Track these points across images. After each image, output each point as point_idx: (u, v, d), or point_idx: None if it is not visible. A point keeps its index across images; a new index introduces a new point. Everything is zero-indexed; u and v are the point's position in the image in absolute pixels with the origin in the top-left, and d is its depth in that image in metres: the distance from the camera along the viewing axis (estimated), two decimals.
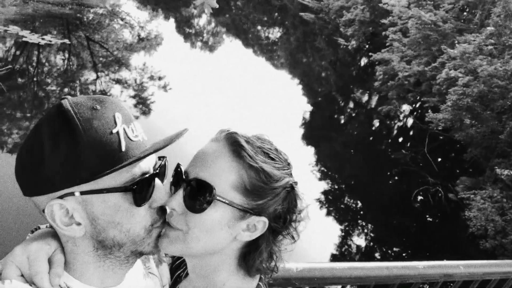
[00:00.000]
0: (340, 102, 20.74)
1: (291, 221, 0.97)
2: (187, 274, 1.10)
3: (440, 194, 11.78)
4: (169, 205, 0.91)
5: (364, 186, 12.71)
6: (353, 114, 19.59)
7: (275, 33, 32.63)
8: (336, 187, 12.56)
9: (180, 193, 0.91)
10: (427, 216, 11.69)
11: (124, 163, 0.78)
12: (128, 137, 0.81)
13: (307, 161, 12.80)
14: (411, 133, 17.26)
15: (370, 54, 18.92)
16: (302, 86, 21.20)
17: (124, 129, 0.81)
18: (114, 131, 0.79)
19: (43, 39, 13.06)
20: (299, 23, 33.88)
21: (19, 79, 12.22)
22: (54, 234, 0.89)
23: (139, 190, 0.83)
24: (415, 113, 17.93)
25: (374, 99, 20.07)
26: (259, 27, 32.78)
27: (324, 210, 11.03)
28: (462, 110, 10.75)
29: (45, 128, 0.78)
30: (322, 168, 13.24)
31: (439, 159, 14.41)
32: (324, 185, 12.09)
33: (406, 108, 17.99)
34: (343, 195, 12.32)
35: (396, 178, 13.87)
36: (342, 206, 11.79)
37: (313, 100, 19.58)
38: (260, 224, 0.93)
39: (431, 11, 15.35)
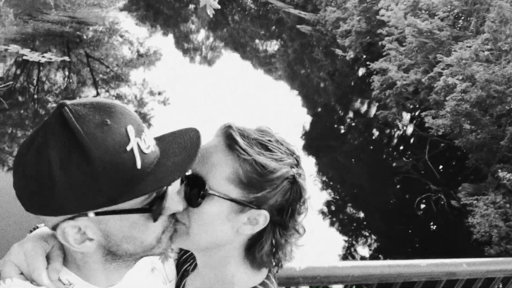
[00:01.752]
0: (340, 112, 20.82)
1: (295, 213, 0.95)
2: (194, 267, 1.10)
3: (442, 201, 11.74)
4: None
5: (367, 195, 12.67)
6: (353, 124, 19.64)
7: (272, 45, 32.91)
8: (338, 197, 12.52)
9: (182, 188, 0.92)
10: (431, 223, 11.63)
11: (148, 190, 0.75)
12: (141, 151, 0.76)
13: (308, 172, 12.78)
14: (411, 141, 17.28)
15: (368, 63, 19.06)
16: (301, 97, 21.30)
17: (137, 143, 0.75)
18: (128, 148, 0.73)
19: (43, 57, 13.21)
20: (296, 35, 34.20)
21: (20, 97, 12.31)
22: (50, 233, 0.88)
23: (157, 208, 0.81)
24: (414, 121, 17.98)
25: (373, 108, 20.14)
26: (257, 40, 33.08)
27: (328, 221, 10.98)
28: (461, 116, 10.79)
29: (52, 149, 0.70)
30: (324, 179, 13.23)
31: (441, 166, 14.39)
32: (326, 196, 12.06)
33: (405, 116, 18.06)
34: (346, 205, 12.28)
35: (398, 186, 13.84)
36: (345, 216, 11.73)
37: (312, 110, 19.66)
38: (261, 217, 0.92)
39: (426, 20, 15.52)
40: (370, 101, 20.52)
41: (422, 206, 12.05)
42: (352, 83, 25.71)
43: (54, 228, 0.78)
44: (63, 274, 0.84)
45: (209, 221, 0.90)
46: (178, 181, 0.89)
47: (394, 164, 14.71)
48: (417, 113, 17.80)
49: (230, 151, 0.90)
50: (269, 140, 0.93)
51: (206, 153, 0.91)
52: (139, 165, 0.74)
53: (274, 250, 0.98)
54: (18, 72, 13.57)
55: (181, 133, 0.90)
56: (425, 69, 14.31)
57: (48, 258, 0.83)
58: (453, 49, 12.81)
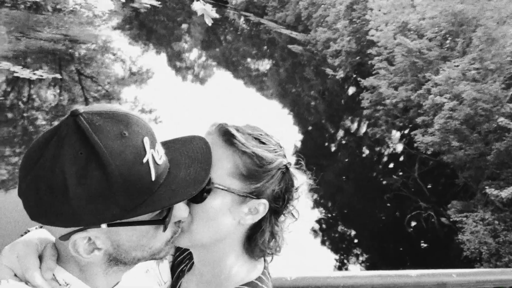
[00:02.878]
0: (330, 130, 21.00)
1: (289, 200, 1.02)
2: (190, 268, 1.12)
3: (432, 219, 11.79)
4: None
5: (358, 213, 12.68)
6: (344, 142, 19.78)
7: (264, 65, 33.31)
8: (329, 215, 12.50)
9: None
10: (421, 240, 11.63)
11: (166, 204, 0.77)
12: (156, 162, 0.76)
13: (299, 190, 12.77)
14: (401, 158, 17.43)
15: (358, 79, 19.35)
16: (292, 115, 21.46)
17: (152, 154, 0.75)
18: (145, 160, 0.73)
19: (34, 74, 13.19)
20: (287, 55, 34.72)
21: (9, 114, 12.21)
22: (44, 233, 0.88)
23: (169, 219, 0.82)
24: (404, 139, 18.18)
25: (364, 126, 20.35)
26: (249, 60, 33.48)
27: (319, 239, 10.93)
28: (450, 133, 10.95)
29: (68, 158, 0.68)
30: (315, 197, 13.22)
31: (430, 184, 14.50)
32: (317, 214, 12.03)
33: (395, 133, 18.27)
34: (337, 223, 12.25)
35: (388, 204, 13.88)
36: (336, 234, 11.69)
37: (303, 129, 19.79)
38: (261, 206, 0.96)
39: (415, 40, 15.90)
40: (360, 119, 20.74)
41: (413, 223, 12.08)
42: (342, 102, 26.02)
43: (62, 238, 0.76)
44: (59, 274, 0.82)
45: (213, 215, 0.93)
46: None
47: (384, 182, 14.79)
48: (406, 131, 18.03)
49: (228, 146, 0.94)
50: (261, 134, 1.01)
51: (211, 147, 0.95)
52: (153, 177, 0.74)
53: (272, 237, 1.02)
54: (9, 89, 13.50)
55: (187, 142, 0.92)
56: (414, 87, 14.58)
57: (41, 258, 0.81)
58: (441, 69, 13.10)
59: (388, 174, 16.00)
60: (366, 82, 18.03)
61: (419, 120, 13.11)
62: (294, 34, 40.83)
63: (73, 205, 0.69)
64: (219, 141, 0.96)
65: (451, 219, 11.27)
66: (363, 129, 20.19)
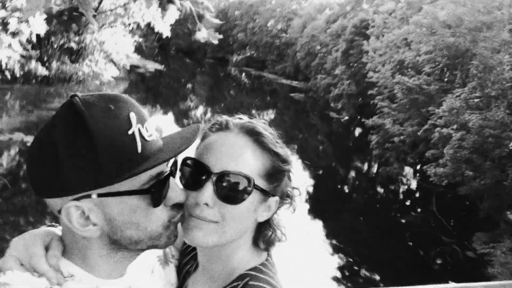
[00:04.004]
0: (341, 172, 20.85)
1: (293, 196, 1.07)
2: (195, 267, 1.11)
3: (458, 253, 11.32)
4: (201, 201, 0.93)
5: (379, 255, 12.23)
6: (357, 183, 19.56)
7: (269, 114, 33.94)
8: (351, 260, 12.08)
9: (209, 187, 0.93)
10: (450, 278, 11.08)
11: (144, 168, 0.78)
12: (143, 137, 0.80)
13: (317, 236, 12.48)
14: (417, 194, 17.09)
15: (363, 120, 19.51)
16: (301, 161, 21.45)
17: (139, 129, 0.80)
18: (130, 132, 0.78)
19: None
20: (290, 103, 35.42)
21: (23, 185, 12.40)
22: (51, 228, 0.92)
23: (156, 192, 0.83)
24: (417, 174, 17.95)
25: (375, 166, 20.21)
26: (253, 111, 34.17)
27: None
28: (462, 163, 10.81)
29: (59, 130, 0.76)
30: (334, 242, 12.86)
31: (450, 218, 14.09)
32: (338, 260, 11.62)
33: (407, 170, 18.07)
34: (360, 267, 11.80)
35: (410, 242, 13.43)
36: (360, 280, 11.22)
37: (314, 173, 19.68)
38: (274, 203, 1.00)
39: (414, 76, 16.22)
40: (370, 159, 20.64)
41: (438, 260, 11.59)
42: (350, 143, 26.07)
43: (60, 211, 0.81)
44: (64, 266, 0.85)
45: (244, 215, 0.95)
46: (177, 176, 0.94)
47: (403, 220, 14.40)
48: (418, 167, 17.85)
49: (258, 146, 0.96)
50: (273, 133, 1.03)
51: (233, 149, 0.95)
52: (139, 149, 0.78)
53: (274, 230, 1.05)
54: (22, 159, 13.82)
55: (186, 129, 0.96)
56: (420, 122, 14.64)
57: (47, 249, 0.85)
58: (443, 101, 13.22)
59: (406, 212, 15.62)
60: (371, 122, 18.18)
61: (428, 154, 13.03)
62: (294, 83, 41.93)
63: (63, 171, 0.75)
64: (247, 139, 0.96)
65: (477, 252, 10.82)
66: (375, 168, 20.04)
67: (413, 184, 17.94)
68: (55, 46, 22.84)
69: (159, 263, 1.09)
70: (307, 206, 14.99)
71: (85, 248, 0.86)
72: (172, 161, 0.91)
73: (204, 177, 0.94)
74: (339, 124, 27.37)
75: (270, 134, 0.99)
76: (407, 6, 20.90)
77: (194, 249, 1.13)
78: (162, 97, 30.99)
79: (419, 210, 15.00)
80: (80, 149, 0.74)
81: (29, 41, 21.31)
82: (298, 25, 45.40)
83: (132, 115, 0.80)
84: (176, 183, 0.91)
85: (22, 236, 0.87)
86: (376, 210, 16.08)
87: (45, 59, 22.04)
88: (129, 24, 22.48)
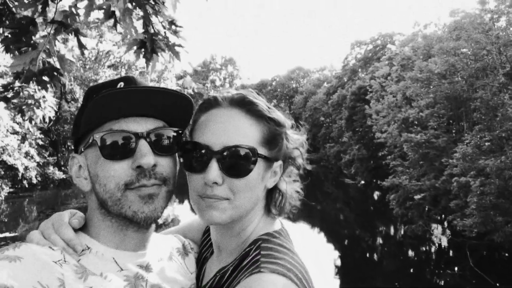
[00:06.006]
0: (367, 239, 20.06)
1: (295, 158, 1.06)
2: (211, 252, 1.14)
3: None
4: (209, 180, 0.93)
5: None
6: (385, 248, 18.71)
7: None
8: None
9: (214, 166, 0.93)
10: None
11: (89, 114, 0.91)
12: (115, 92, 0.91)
13: None
14: (449, 251, 16.19)
15: (379, 183, 19.25)
16: (323, 233, 20.80)
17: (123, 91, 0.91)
18: (106, 92, 0.90)
19: None
20: (303, 174, 35.37)
21: None
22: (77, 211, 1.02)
23: (103, 143, 0.90)
24: (446, 229, 17.18)
25: (400, 227, 19.48)
26: None
27: None
28: (489, 210, 10.38)
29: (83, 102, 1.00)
30: None
31: (489, 270, 13.16)
32: None
33: (434, 226, 17.33)
34: None
35: None
36: None
37: (339, 244, 18.94)
38: (278, 168, 1.01)
39: (421, 132, 16.33)
40: (394, 220, 19.97)
41: None
42: (371, 208, 25.45)
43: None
44: (82, 239, 0.93)
45: (253, 185, 0.96)
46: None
47: (441, 282, 13.47)
48: (445, 223, 17.15)
49: (252, 115, 0.97)
50: (261, 99, 1.03)
51: (231, 125, 0.95)
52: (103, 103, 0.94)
53: (282, 194, 1.05)
54: None
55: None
56: (436, 175, 14.39)
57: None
58: (455, 151, 13.13)
59: (441, 271, 14.67)
60: (387, 183, 17.94)
61: (452, 204, 12.60)
62: (305, 155, 42.30)
63: (75, 126, 0.97)
64: (239, 111, 0.97)
65: None
66: (400, 230, 19.29)
67: (443, 240, 17.08)
68: (70, 150, 23.84)
69: (178, 254, 1.13)
70: (338, 281, 14.23)
71: (92, 217, 0.96)
72: (156, 131, 0.96)
73: (206, 158, 0.95)
74: (356, 189, 27.00)
75: (260, 101, 0.99)
76: (401, 68, 21.78)
77: (210, 238, 1.16)
78: (177, 189, 31.21)
79: (455, 268, 14.08)
80: (80, 109, 0.97)
81: (45, 147, 22.34)
82: (300, 101, 47.26)
83: (121, 84, 0.97)
84: (147, 149, 0.92)
85: (51, 216, 0.97)
86: (410, 274, 15.15)
87: (62, 163, 22.89)
88: None
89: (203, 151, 0.96)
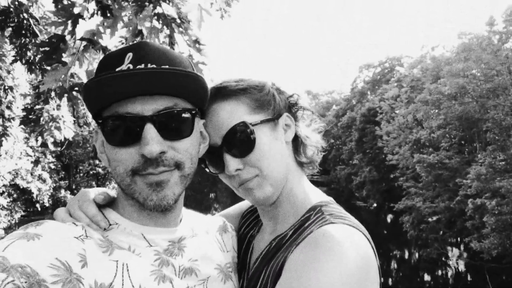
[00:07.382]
0: (381, 263, 19.60)
1: (296, 103, 1.11)
2: (258, 230, 1.17)
3: None
4: (232, 170, 0.99)
5: None
6: (400, 273, 18.27)
7: None
8: None
9: (228, 157, 1.00)
10: None
11: (91, 80, 0.82)
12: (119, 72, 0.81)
13: None
14: (468, 276, 15.72)
15: (391, 205, 18.99)
16: None
17: (129, 67, 0.83)
18: (118, 69, 0.83)
19: None
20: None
21: None
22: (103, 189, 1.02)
23: (106, 128, 0.85)
24: (464, 253, 16.75)
25: (414, 251, 19.05)
26: None
27: None
28: (508, 230, 10.13)
29: None
30: None
31: None
32: None
33: (450, 249, 16.90)
34: None
35: None
36: None
37: None
38: (288, 119, 1.06)
39: (433, 153, 16.19)
40: (408, 244, 19.55)
41: None
42: (385, 231, 24.99)
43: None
44: (110, 215, 0.93)
45: (268, 148, 1.00)
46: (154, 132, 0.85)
47: None
48: (462, 245, 16.74)
49: (230, 98, 1.03)
50: (231, 78, 1.10)
51: (219, 117, 1.02)
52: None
53: (305, 144, 1.09)
54: None
55: None
56: (450, 196, 14.16)
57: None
58: (469, 172, 12.95)
59: None
60: (400, 205, 17.68)
61: (468, 224, 12.33)
62: (315, 178, 41.99)
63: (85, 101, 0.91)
64: (220, 101, 1.03)
65: None
66: (415, 253, 18.85)
67: (461, 263, 16.63)
68: (82, 174, 24.06)
69: (217, 230, 1.15)
70: None
71: (118, 194, 0.96)
72: (164, 111, 0.85)
73: (219, 154, 1.01)
74: (368, 212, 26.60)
75: (230, 79, 1.07)
76: (411, 90, 21.82)
77: (254, 219, 1.21)
78: (187, 208, 31.10)
79: None
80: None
81: (57, 171, 22.55)
82: None
83: (129, 55, 0.86)
84: (152, 134, 0.83)
85: (77, 194, 0.98)
86: None
87: (74, 187, 23.03)
88: None
89: (215, 150, 1.02)
